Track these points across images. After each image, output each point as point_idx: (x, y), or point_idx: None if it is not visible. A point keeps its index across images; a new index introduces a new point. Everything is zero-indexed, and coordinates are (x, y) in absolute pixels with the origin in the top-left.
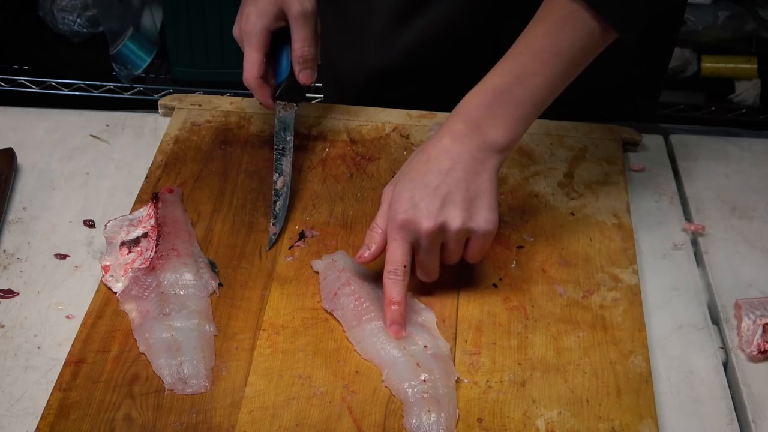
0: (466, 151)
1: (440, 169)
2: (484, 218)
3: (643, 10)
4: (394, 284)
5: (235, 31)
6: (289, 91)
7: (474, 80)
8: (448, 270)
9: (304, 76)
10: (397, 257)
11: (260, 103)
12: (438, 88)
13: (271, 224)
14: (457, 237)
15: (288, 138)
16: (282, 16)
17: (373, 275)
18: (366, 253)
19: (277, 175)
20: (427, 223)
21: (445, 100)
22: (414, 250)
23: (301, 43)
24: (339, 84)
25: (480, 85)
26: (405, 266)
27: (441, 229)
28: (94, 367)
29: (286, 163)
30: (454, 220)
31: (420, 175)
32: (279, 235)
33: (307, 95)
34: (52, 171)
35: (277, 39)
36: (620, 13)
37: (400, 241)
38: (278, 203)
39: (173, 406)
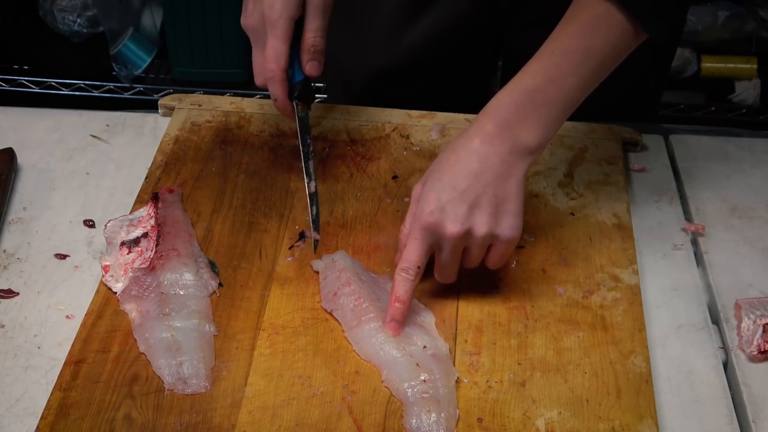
0: (496, 154)
1: (469, 171)
2: (509, 225)
3: (672, 11)
4: (405, 282)
5: (248, 21)
6: (305, 91)
7: (478, 78)
8: None
9: (311, 67)
10: (413, 257)
11: (273, 101)
12: (442, 85)
13: (312, 230)
14: (481, 243)
15: (309, 141)
16: (303, 4)
17: (373, 276)
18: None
19: (308, 179)
20: (452, 228)
21: (450, 98)
22: (435, 251)
23: (314, 33)
24: (344, 82)
25: (511, 84)
26: (419, 267)
27: (466, 235)
28: (94, 367)
29: (313, 166)
30: (481, 226)
31: (449, 176)
32: (319, 241)
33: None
34: (52, 171)
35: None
36: (652, 14)
37: (420, 242)
38: (314, 208)
39: (173, 406)
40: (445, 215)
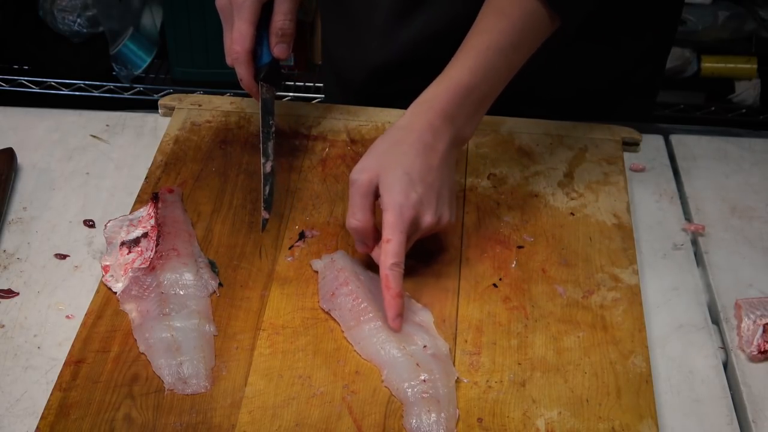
0: (445, 147)
1: (431, 165)
2: (455, 211)
3: (587, 5)
4: (398, 276)
5: (219, 3)
6: (272, 73)
7: None
8: (448, 270)
9: (279, 50)
10: (400, 249)
11: (240, 81)
12: None
13: (263, 209)
14: (438, 229)
15: (271, 122)
16: None
17: (372, 275)
18: (364, 248)
19: (265, 159)
20: (429, 219)
21: None
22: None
23: (283, 16)
24: (340, 80)
25: (450, 79)
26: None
27: (436, 224)
28: (94, 367)
29: (272, 147)
30: (445, 216)
31: (415, 170)
32: (269, 220)
33: (285, 83)
34: (52, 171)
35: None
36: (570, 9)
37: (404, 235)
38: (267, 188)
39: (173, 406)
40: (423, 208)
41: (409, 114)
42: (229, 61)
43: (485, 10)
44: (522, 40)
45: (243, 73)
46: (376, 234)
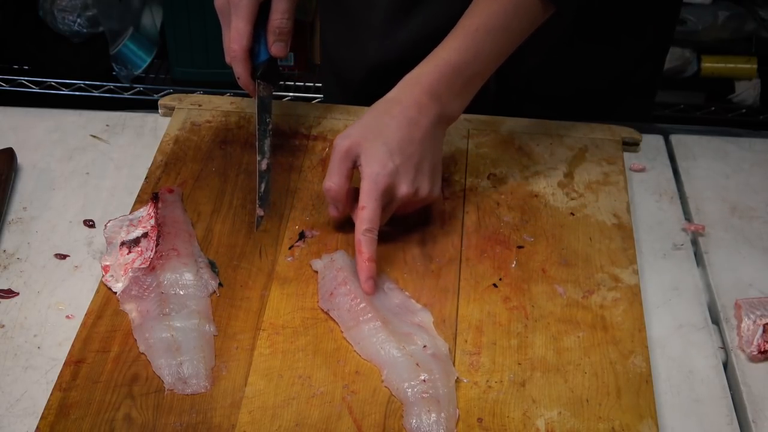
0: (429, 123)
1: (413, 138)
2: (437, 186)
3: None
4: (371, 242)
5: (217, 2)
6: (270, 71)
7: None
8: (448, 270)
9: (277, 48)
10: (374, 216)
11: (237, 79)
12: None
13: (258, 206)
14: (418, 201)
15: (268, 120)
16: None
17: None
18: (335, 213)
19: (260, 156)
20: (405, 189)
21: None
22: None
23: (280, 14)
24: (339, 79)
25: (439, 58)
26: (378, 226)
27: (413, 195)
28: (94, 367)
29: (268, 145)
30: (424, 188)
31: (395, 141)
32: (264, 217)
33: (281, 81)
34: (52, 171)
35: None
36: None
37: (379, 203)
38: (263, 185)
39: (173, 406)
40: (400, 178)
41: (397, 89)
42: (227, 59)
43: None
44: (513, 23)
45: (240, 70)
46: (350, 200)
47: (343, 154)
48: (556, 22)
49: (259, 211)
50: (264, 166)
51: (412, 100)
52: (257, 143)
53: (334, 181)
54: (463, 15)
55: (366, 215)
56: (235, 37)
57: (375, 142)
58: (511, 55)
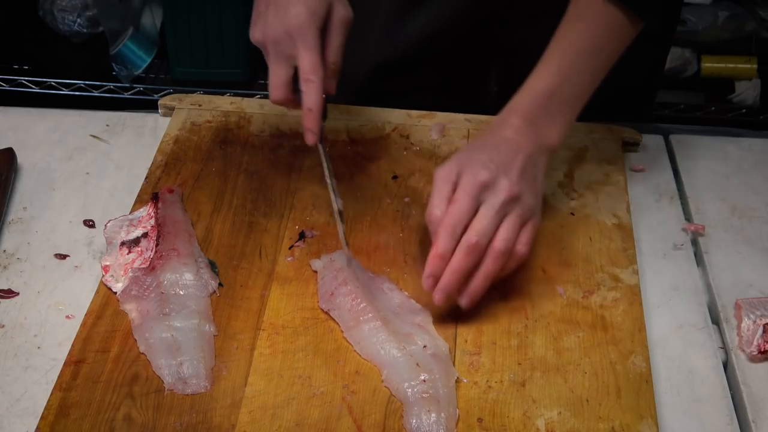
0: (528, 146)
1: (510, 149)
2: (539, 209)
3: (669, 5)
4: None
5: (268, 33)
6: (324, 108)
7: (476, 71)
8: None
9: (330, 85)
10: (463, 210)
11: (308, 110)
12: (441, 79)
13: (347, 250)
14: (520, 212)
15: (326, 152)
16: (327, 18)
17: (371, 275)
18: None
19: (334, 196)
20: (507, 184)
21: (448, 92)
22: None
23: (335, 50)
24: (342, 77)
25: (528, 86)
26: (466, 223)
27: (515, 198)
28: (94, 367)
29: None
30: (528, 196)
31: (495, 150)
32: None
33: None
34: (52, 171)
35: None
36: (652, 9)
37: (473, 198)
38: (344, 227)
39: (173, 406)
40: (500, 173)
41: (494, 122)
42: (279, 95)
43: (566, 16)
44: (602, 43)
45: (316, 100)
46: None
47: (444, 178)
48: (647, 35)
49: (347, 252)
50: (341, 205)
51: (506, 124)
52: (330, 183)
53: (438, 206)
54: (552, 38)
55: (453, 210)
56: (308, 68)
57: (472, 154)
58: (511, 55)
